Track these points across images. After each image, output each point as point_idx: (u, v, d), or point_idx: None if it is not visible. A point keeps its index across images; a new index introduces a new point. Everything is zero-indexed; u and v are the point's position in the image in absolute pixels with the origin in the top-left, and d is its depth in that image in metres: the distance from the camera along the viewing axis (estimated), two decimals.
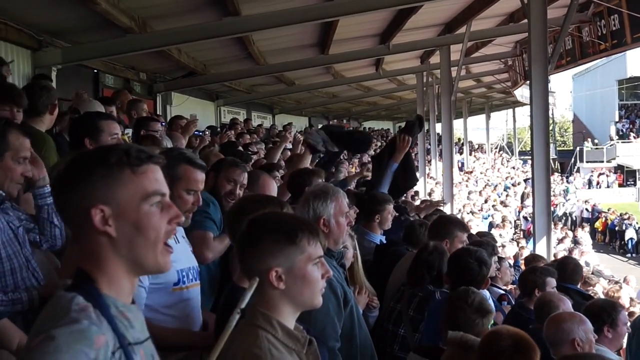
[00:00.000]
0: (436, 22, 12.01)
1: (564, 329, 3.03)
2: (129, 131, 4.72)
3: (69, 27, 7.03)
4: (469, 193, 19.61)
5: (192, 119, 5.42)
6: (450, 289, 3.20)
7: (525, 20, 8.39)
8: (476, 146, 32.06)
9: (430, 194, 14.78)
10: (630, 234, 20.06)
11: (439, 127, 17.26)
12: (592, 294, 6.21)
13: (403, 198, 7.04)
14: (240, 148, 6.45)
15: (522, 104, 28.56)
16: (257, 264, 1.60)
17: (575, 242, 15.26)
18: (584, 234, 16.74)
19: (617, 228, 20.87)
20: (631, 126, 34.07)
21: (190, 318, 2.36)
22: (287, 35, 9.76)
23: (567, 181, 29.04)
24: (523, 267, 7.06)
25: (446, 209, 11.09)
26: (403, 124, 5.25)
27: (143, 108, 5.54)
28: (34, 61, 6.76)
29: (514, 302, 4.78)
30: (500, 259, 5.69)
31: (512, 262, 8.98)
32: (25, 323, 2.06)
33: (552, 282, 4.01)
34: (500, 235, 13.39)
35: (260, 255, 1.60)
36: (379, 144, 22.04)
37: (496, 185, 22.87)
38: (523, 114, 35.49)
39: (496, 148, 35.19)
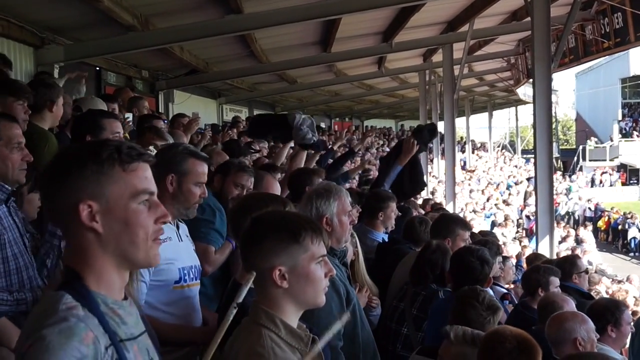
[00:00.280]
0: (439, 20, 11.99)
1: (566, 328, 3.03)
2: (129, 115, 4.71)
3: (71, 24, 7.02)
4: (471, 192, 19.59)
5: (194, 117, 5.41)
6: (453, 287, 3.19)
7: (528, 19, 8.36)
8: (478, 145, 32.00)
9: (432, 193, 14.77)
10: (633, 233, 20.02)
11: (441, 126, 17.22)
12: (593, 294, 6.21)
13: None
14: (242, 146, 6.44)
15: (525, 103, 28.49)
16: (261, 262, 1.59)
17: (578, 241, 15.24)
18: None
19: (620, 227, 20.83)
20: (634, 125, 33.96)
21: (190, 316, 2.36)
22: (289, 33, 9.75)
23: (570, 180, 28.97)
24: (525, 266, 7.05)
25: (448, 208, 11.08)
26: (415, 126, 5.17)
27: (144, 105, 5.55)
28: (36, 58, 6.76)
29: (516, 301, 4.77)
30: (504, 258, 5.69)
31: (514, 261, 8.97)
32: None
33: (555, 281, 3.99)
34: (502, 234, 13.37)
35: (263, 254, 1.59)
36: (380, 142, 22.09)
37: (498, 184, 22.83)
38: (525, 113, 35.51)
39: (499, 146, 35.12)
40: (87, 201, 1.19)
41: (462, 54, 13.04)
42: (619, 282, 10.48)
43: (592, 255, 13.68)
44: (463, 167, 23.71)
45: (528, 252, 9.99)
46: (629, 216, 20.54)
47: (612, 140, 32.20)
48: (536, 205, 8.12)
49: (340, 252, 2.65)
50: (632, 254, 19.66)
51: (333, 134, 15.80)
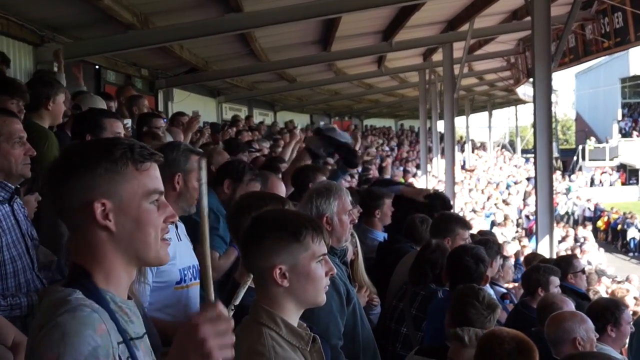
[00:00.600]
0: (439, 20, 11.98)
1: (565, 328, 3.03)
2: (128, 122, 4.70)
3: (71, 22, 7.01)
4: (470, 191, 19.59)
5: (195, 115, 5.40)
6: (450, 286, 3.19)
7: (529, 18, 8.36)
8: (478, 144, 32.01)
9: None
10: (632, 233, 20.03)
11: (441, 125, 17.22)
12: (592, 294, 6.21)
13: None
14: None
15: (524, 102, 28.49)
16: (261, 261, 1.59)
17: (577, 240, 15.25)
18: (586, 233, 16.73)
19: (619, 227, 20.84)
20: (634, 125, 33.98)
21: (188, 317, 2.34)
22: (289, 32, 9.74)
23: (570, 180, 28.98)
24: (524, 265, 7.04)
25: None
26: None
27: (144, 104, 5.54)
28: (35, 57, 6.75)
29: (516, 301, 4.77)
30: (504, 258, 5.68)
31: (513, 260, 8.97)
32: (24, 326, 2.00)
33: (555, 281, 3.99)
34: (502, 233, 13.37)
35: (264, 253, 1.59)
36: (380, 141, 22.08)
37: (498, 184, 22.84)
38: (525, 112, 35.52)
39: (498, 146, 35.12)
40: (100, 199, 1.19)
41: (462, 53, 13.03)
42: (619, 282, 10.48)
43: (591, 256, 13.69)
44: (463, 167, 23.71)
45: (527, 251, 10.00)
46: (629, 216, 20.55)
47: (607, 142, 32.20)
48: (536, 205, 8.12)
49: (340, 251, 2.65)
50: (631, 254, 19.67)
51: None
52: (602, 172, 30.39)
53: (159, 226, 1.24)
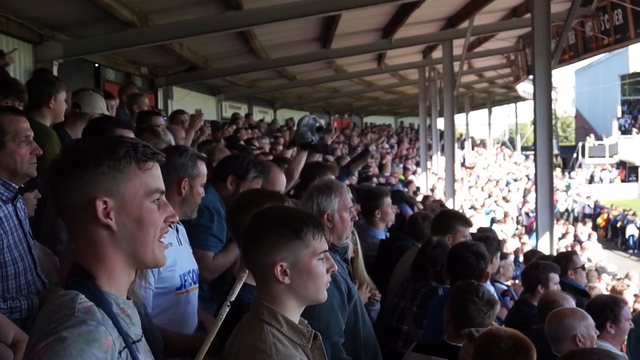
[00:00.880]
0: (439, 17, 11.97)
1: (566, 325, 3.03)
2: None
3: (70, 20, 7.00)
4: (470, 188, 19.59)
5: (198, 113, 5.38)
6: (450, 284, 3.19)
7: (529, 15, 8.35)
8: (478, 141, 32.00)
9: (432, 190, 14.76)
10: (631, 230, 20.04)
11: (440, 123, 17.21)
12: (590, 290, 6.20)
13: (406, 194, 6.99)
14: (242, 143, 6.45)
15: (524, 99, 28.47)
16: (262, 258, 1.59)
17: (577, 237, 15.26)
18: (586, 230, 16.74)
19: (618, 224, 20.86)
20: (633, 122, 33.97)
21: (186, 321, 2.35)
22: (289, 29, 9.73)
23: (569, 177, 28.99)
24: (523, 262, 7.05)
25: (448, 204, 11.08)
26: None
27: (145, 102, 5.53)
28: (35, 55, 6.73)
29: (516, 298, 4.78)
30: (504, 255, 5.69)
31: (513, 257, 8.97)
32: (23, 329, 1.97)
33: (555, 277, 3.99)
34: (502, 230, 13.37)
35: (265, 250, 1.59)
36: (381, 139, 22.05)
37: (498, 181, 22.85)
38: (525, 109, 35.49)
39: (498, 143, 35.13)
40: (102, 197, 1.18)
41: (462, 50, 13.02)
42: (618, 279, 10.49)
43: (592, 252, 13.69)
44: (462, 164, 23.71)
45: (527, 249, 10.01)
46: (628, 213, 20.55)
47: (605, 138, 32.20)
48: (536, 202, 8.12)
49: (341, 249, 2.65)
50: (631, 251, 19.69)
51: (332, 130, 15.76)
52: (602, 169, 30.41)
53: (159, 226, 1.23)
